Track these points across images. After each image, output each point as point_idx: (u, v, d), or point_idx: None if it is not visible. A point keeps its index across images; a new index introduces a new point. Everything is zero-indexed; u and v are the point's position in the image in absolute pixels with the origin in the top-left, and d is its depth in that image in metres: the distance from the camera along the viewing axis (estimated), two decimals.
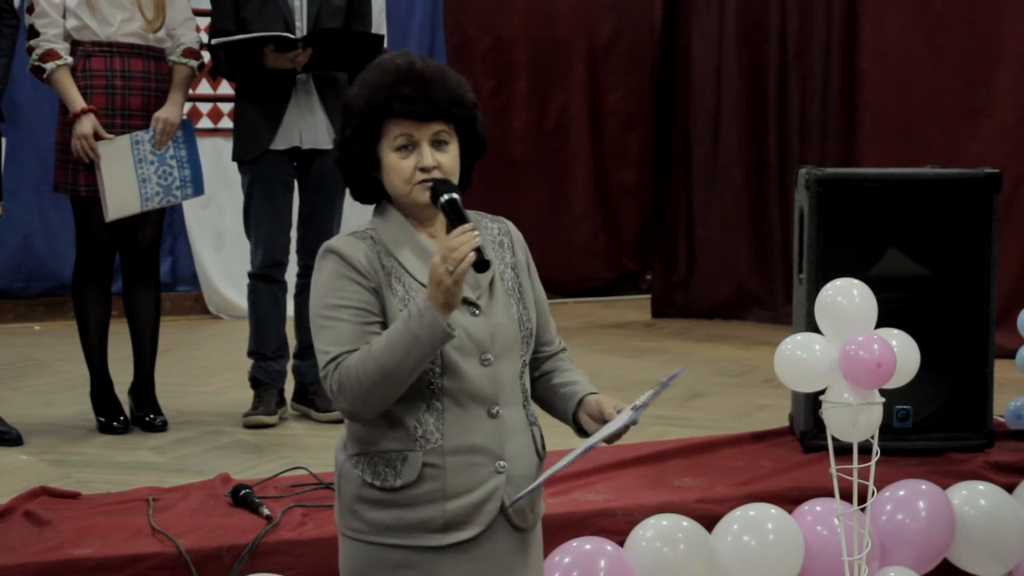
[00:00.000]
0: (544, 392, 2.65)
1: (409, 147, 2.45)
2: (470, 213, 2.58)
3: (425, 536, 2.44)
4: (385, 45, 8.41)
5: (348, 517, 2.50)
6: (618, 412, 2.50)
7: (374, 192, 2.53)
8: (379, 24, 8.28)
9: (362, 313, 2.41)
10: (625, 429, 2.45)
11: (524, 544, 2.55)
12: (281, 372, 5.18)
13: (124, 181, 4.79)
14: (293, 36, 4.91)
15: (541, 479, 2.49)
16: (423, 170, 2.45)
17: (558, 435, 2.69)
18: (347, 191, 5.57)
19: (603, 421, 2.54)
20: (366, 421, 2.44)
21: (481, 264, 2.34)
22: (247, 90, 5.10)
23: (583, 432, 2.60)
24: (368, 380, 2.35)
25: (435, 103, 2.45)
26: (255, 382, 5.16)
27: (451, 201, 2.42)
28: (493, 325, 2.46)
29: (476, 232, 2.33)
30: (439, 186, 2.45)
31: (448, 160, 2.47)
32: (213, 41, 4.98)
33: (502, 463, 2.47)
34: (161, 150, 4.87)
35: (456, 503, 2.44)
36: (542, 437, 2.59)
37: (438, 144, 2.47)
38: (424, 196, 2.45)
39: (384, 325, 2.42)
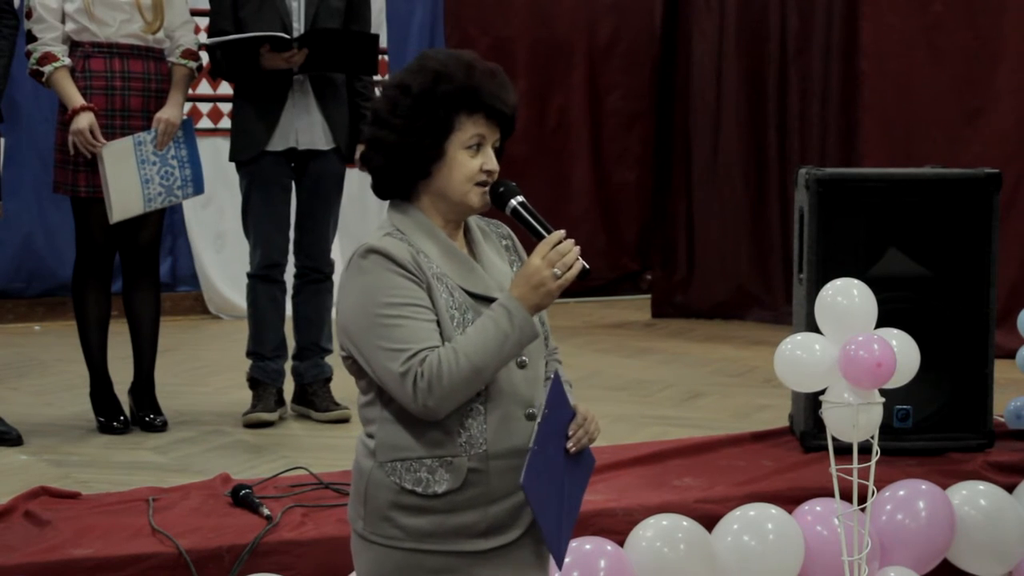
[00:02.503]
0: None
1: (477, 147, 2.45)
2: (472, 218, 2.57)
3: (466, 541, 2.43)
4: (385, 45, 8.45)
5: (380, 524, 2.45)
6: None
7: (404, 187, 2.50)
8: (379, 24, 8.28)
9: (425, 311, 2.38)
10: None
11: (543, 543, 2.56)
12: (279, 372, 5.18)
13: (128, 182, 4.80)
14: (287, 36, 4.91)
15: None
16: (487, 172, 2.45)
17: None
18: (343, 195, 5.58)
19: None
20: (439, 419, 2.40)
21: (585, 272, 2.37)
22: (244, 91, 5.11)
23: None
24: (460, 377, 2.33)
25: (513, 108, 2.47)
26: (253, 382, 5.17)
27: (524, 204, 2.45)
28: None
29: (573, 239, 2.36)
30: (507, 189, 2.46)
31: (498, 168, 2.49)
32: (208, 41, 4.99)
33: None
34: (163, 150, 4.88)
35: (499, 507, 2.43)
36: None
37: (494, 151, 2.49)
38: (479, 199, 2.46)
39: (439, 323, 2.40)
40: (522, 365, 2.46)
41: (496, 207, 2.47)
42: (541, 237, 2.41)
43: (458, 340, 2.36)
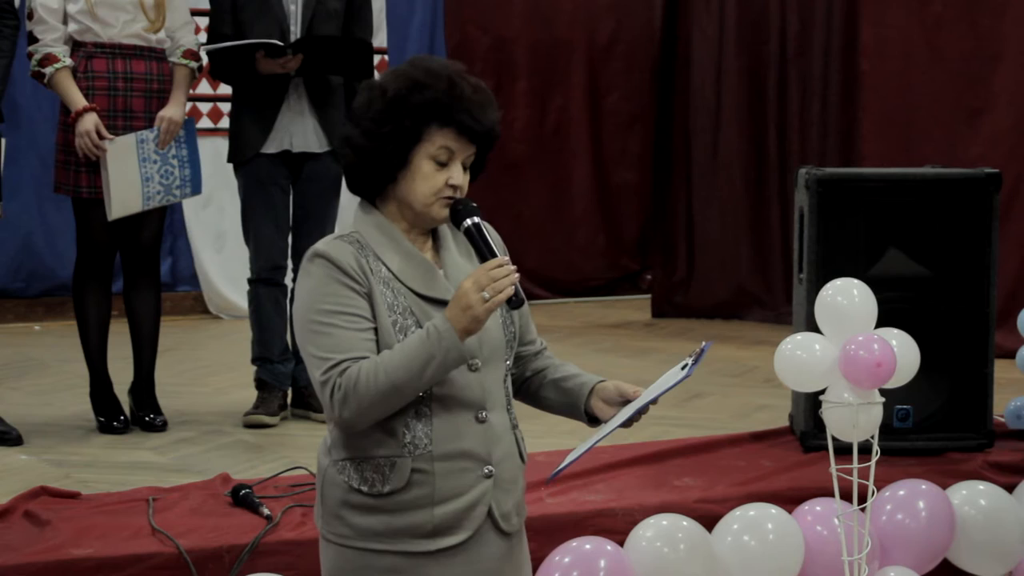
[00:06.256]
0: (543, 390, 2.64)
1: (445, 161, 2.44)
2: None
3: (413, 542, 2.43)
4: (384, 45, 8.45)
5: (332, 522, 2.47)
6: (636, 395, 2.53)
7: (373, 188, 2.50)
8: (379, 24, 8.28)
9: (357, 319, 2.39)
10: (658, 397, 2.48)
11: (510, 548, 2.55)
12: (287, 375, 5.18)
13: (128, 180, 4.80)
14: (279, 44, 4.92)
15: (587, 446, 2.50)
16: (452, 187, 2.44)
17: (541, 436, 2.69)
18: (342, 195, 5.59)
19: (623, 404, 2.54)
20: (357, 430, 2.42)
21: (515, 301, 2.35)
22: (241, 94, 5.12)
23: (595, 422, 2.59)
24: (378, 393, 2.33)
25: (488, 127, 2.45)
26: (260, 383, 5.17)
27: (478, 226, 2.43)
28: (481, 331, 2.41)
29: (514, 266, 2.35)
30: (464, 207, 2.44)
31: (467, 184, 2.48)
32: (203, 49, 5.01)
33: (489, 467, 2.47)
34: (164, 149, 4.88)
35: (445, 508, 2.43)
36: (523, 440, 2.58)
37: (464, 167, 2.47)
38: (443, 212, 2.45)
39: (376, 330, 2.40)
40: (473, 368, 2.45)
41: (452, 224, 2.47)
42: (486, 260, 2.40)
43: (384, 355, 2.36)
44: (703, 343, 2.52)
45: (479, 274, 2.33)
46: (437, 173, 2.43)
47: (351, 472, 2.44)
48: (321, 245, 2.44)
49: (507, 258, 2.37)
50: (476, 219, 2.44)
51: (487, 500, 2.47)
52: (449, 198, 2.44)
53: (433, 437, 2.42)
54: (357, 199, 2.55)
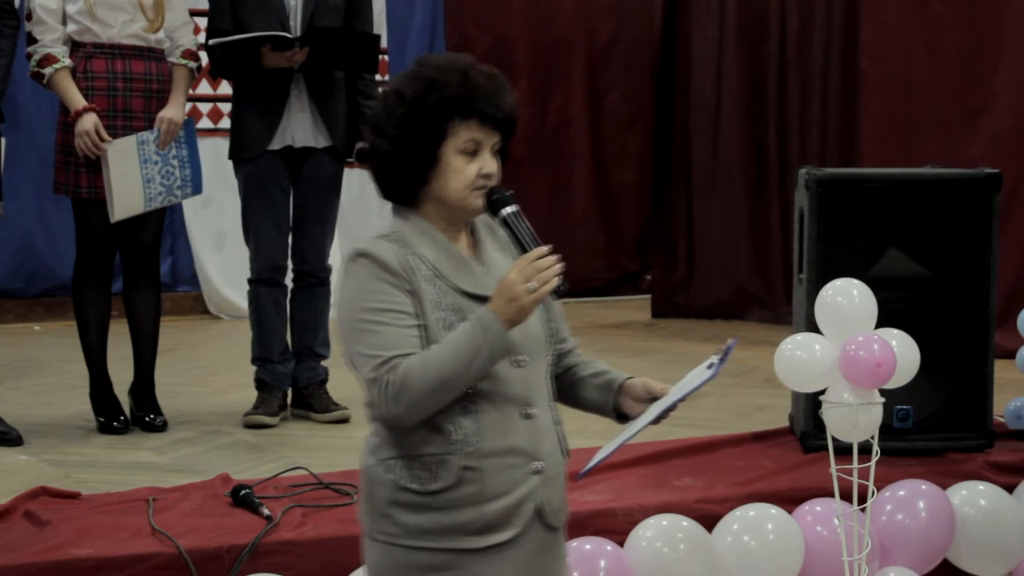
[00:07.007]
0: (573, 387, 2.64)
1: (474, 152, 2.45)
2: (482, 217, 2.56)
3: (463, 539, 2.43)
4: (385, 45, 8.45)
5: (380, 521, 2.46)
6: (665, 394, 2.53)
7: (406, 192, 2.49)
8: (379, 24, 8.27)
9: (404, 316, 2.39)
10: (687, 395, 2.47)
11: (555, 543, 2.56)
12: (287, 375, 5.17)
13: (130, 181, 4.80)
14: (289, 36, 4.91)
15: (617, 444, 2.49)
16: (485, 176, 2.45)
17: (575, 435, 2.69)
18: (342, 195, 5.58)
19: (652, 400, 2.54)
20: (408, 427, 2.42)
21: (558, 289, 2.36)
22: (244, 90, 5.11)
23: (624, 418, 2.59)
24: (428, 387, 2.34)
25: (508, 111, 2.45)
26: (260, 383, 5.16)
27: (516, 214, 2.43)
28: (524, 326, 2.42)
29: (558, 255, 2.35)
30: (500, 196, 2.45)
31: (499, 171, 2.48)
32: (210, 42, 4.99)
33: (537, 463, 2.47)
34: (164, 150, 4.88)
35: (495, 505, 2.43)
36: (565, 436, 2.58)
37: (493, 153, 2.47)
38: (479, 203, 2.45)
39: (420, 327, 2.41)
40: (518, 364, 2.46)
41: (489, 213, 2.47)
42: (525, 251, 2.40)
43: (431, 350, 2.36)
44: (729, 341, 2.52)
45: (523, 265, 2.35)
46: (468, 165, 2.44)
47: (400, 471, 2.44)
48: (363, 244, 2.44)
49: (547, 248, 2.37)
50: (514, 207, 2.44)
51: (535, 496, 2.47)
52: (483, 187, 2.45)
53: (481, 434, 2.42)
54: (361, 201, 2.55)
